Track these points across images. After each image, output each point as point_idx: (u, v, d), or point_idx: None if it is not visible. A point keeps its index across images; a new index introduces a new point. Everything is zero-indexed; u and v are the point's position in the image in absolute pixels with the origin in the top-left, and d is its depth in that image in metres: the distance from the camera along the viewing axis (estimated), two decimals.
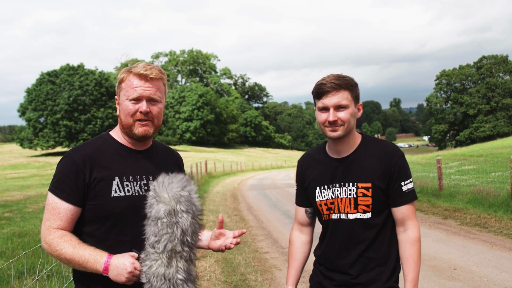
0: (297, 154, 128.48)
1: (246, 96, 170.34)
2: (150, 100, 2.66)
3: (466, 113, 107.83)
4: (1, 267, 7.49)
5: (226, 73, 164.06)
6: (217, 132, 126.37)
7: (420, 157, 44.65)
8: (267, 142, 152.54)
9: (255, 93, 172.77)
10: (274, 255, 10.01)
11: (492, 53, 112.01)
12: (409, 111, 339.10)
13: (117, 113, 2.73)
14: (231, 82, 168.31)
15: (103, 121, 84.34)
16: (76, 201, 2.54)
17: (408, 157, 37.92)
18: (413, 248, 2.88)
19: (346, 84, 2.83)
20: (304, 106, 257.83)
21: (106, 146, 2.71)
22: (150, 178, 2.72)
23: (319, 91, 2.86)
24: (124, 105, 2.65)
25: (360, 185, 2.87)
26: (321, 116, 2.88)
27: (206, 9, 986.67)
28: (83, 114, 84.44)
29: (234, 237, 2.82)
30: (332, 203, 2.94)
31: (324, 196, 2.98)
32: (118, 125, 2.78)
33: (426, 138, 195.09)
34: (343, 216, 2.92)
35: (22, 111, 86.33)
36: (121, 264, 2.42)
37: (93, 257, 2.44)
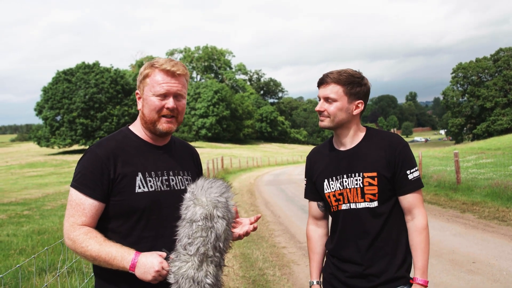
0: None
1: (261, 92, 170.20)
2: (176, 96, 2.67)
3: (483, 106, 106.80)
4: (22, 264, 7.59)
5: (241, 69, 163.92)
6: (232, 128, 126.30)
7: (437, 151, 44.36)
8: (282, 137, 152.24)
9: (270, 88, 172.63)
10: (292, 250, 10.03)
11: (509, 46, 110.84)
12: (425, 105, 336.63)
13: (139, 107, 2.71)
14: (246, 78, 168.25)
15: (119, 119, 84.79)
16: (101, 197, 2.52)
17: (425, 151, 37.69)
18: (421, 236, 2.93)
19: (341, 79, 2.93)
20: None
21: (127, 141, 2.70)
22: (171, 173, 2.72)
23: (319, 81, 3.02)
24: (150, 101, 2.64)
25: (366, 174, 2.94)
26: (317, 105, 3.06)
27: (221, 6, 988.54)
28: (99, 112, 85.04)
29: (251, 223, 2.81)
30: (341, 194, 3.00)
31: (332, 187, 3.04)
32: (138, 120, 2.78)
33: (442, 132, 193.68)
34: (352, 205, 2.97)
35: (39, 110, 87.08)
36: (149, 263, 2.40)
37: (120, 254, 2.43)
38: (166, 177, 2.70)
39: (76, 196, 2.54)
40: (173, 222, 2.55)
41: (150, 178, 2.63)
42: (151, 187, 2.62)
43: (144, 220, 2.58)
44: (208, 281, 2.42)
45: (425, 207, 3.03)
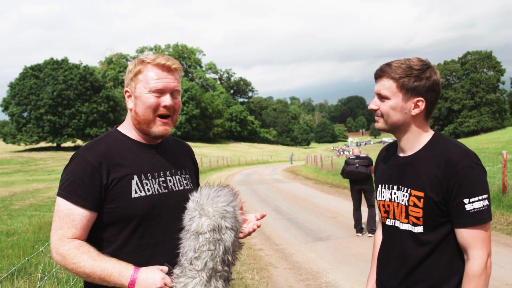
0: (282, 149, 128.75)
1: (232, 91, 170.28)
2: (173, 93, 2.47)
3: (451, 108, 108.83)
4: None
5: (212, 67, 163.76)
6: (202, 127, 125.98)
7: None
8: (252, 137, 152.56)
9: (240, 88, 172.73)
10: (269, 252, 9.91)
11: (477, 49, 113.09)
12: None
13: (130, 107, 2.49)
14: (216, 77, 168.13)
15: (87, 116, 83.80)
16: (92, 206, 2.30)
17: None
18: (469, 285, 2.33)
19: (389, 71, 2.45)
20: (289, 101, 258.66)
21: (118, 143, 2.48)
22: (167, 174, 2.52)
23: (374, 76, 2.58)
24: (145, 98, 2.41)
25: (413, 192, 2.43)
26: None
27: (194, 3, 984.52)
28: (67, 109, 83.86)
29: (257, 220, 2.57)
30: (389, 205, 2.60)
31: (383, 196, 2.64)
32: (127, 120, 2.55)
33: None
34: (397, 223, 2.54)
35: (5, 106, 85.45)
36: (150, 279, 2.20)
37: (117, 270, 2.21)
38: (163, 178, 2.49)
39: (64, 206, 2.30)
40: (173, 228, 2.36)
41: (147, 181, 2.42)
42: (148, 190, 2.40)
43: (142, 227, 2.37)
44: None
45: (489, 248, 2.36)
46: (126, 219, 2.34)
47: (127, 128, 2.55)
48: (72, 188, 2.30)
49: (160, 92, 2.42)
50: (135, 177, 2.39)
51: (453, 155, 2.38)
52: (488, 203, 2.33)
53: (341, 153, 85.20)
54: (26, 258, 3.97)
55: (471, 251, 2.32)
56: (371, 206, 11.25)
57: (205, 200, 2.29)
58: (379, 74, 2.50)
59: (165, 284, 2.20)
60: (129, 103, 2.49)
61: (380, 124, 2.55)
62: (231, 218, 2.29)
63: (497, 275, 7.38)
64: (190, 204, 2.32)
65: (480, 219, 2.30)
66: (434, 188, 2.36)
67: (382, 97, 2.49)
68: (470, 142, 49.05)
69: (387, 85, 2.46)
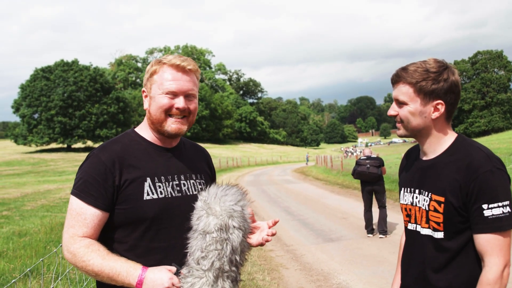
0: (292, 150, 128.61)
1: (241, 92, 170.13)
2: (188, 96, 2.46)
3: (461, 108, 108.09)
4: (4, 268, 7.35)
5: (221, 68, 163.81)
6: (212, 127, 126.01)
7: None
8: (262, 137, 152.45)
9: (249, 88, 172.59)
10: (279, 253, 9.91)
11: (488, 49, 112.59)
12: None
13: (145, 107, 2.50)
14: (226, 77, 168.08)
15: (97, 117, 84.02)
16: (104, 206, 2.30)
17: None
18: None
19: (405, 76, 2.41)
20: (298, 102, 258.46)
21: (134, 144, 2.48)
22: (182, 177, 2.51)
23: (391, 79, 2.54)
24: (158, 99, 2.42)
25: (434, 197, 2.39)
26: None
27: (203, 5, 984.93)
28: (77, 110, 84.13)
29: (269, 228, 2.52)
30: (411, 209, 2.56)
31: (405, 200, 2.62)
32: (145, 121, 2.56)
33: None
34: (418, 228, 2.51)
35: (16, 108, 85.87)
36: (158, 279, 2.19)
37: (125, 269, 2.21)
38: (177, 182, 2.48)
39: (77, 204, 2.31)
40: (185, 232, 2.34)
41: (160, 184, 2.41)
42: (161, 193, 2.39)
43: (153, 230, 2.36)
44: None
45: (508, 258, 2.27)
46: (138, 220, 2.34)
47: (144, 129, 2.56)
48: (84, 187, 2.31)
49: (174, 94, 2.42)
50: (148, 179, 2.38)
51: (474, 159, 2.31)
52: (509, 210, 2.24)
53: (349, 154, 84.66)
54: (41, 259, 3.98)
55: (487, 258, 2.26)
56: (382, 207, 11.22)
57: (212, 199, 2.28)
58: (396, 80, 2.47)
59: (173, 284, 2.19)
60: (145, 103, 2.51)
61: (401, 131, 2.52)
62: (239, 217, 2.27)
63: None
64: (198, 204, 2.32)
65: (499, 226, 2.23)
66: (454, 193, 2.31)
67: (400, 103, 2.46)
68: (481, 142, 48.67)
69: (404, 91, 2.42)
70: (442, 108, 2.40)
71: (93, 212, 2.29)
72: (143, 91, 2.53)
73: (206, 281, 2.18)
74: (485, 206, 2.24)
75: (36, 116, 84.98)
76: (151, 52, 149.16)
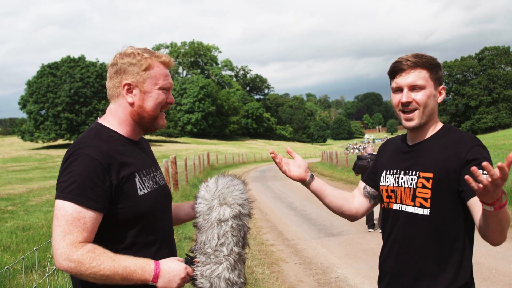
0: (299, 146, 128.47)
1: (248, 88, 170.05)
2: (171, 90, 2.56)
3: (468, 104, 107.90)
4: (7, 261, 7.45)
5: (228, 64, 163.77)
6: (218, 124, 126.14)
7: None
8: (268, 134, 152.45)
9: (256, 84, 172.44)
10: (280, 247, 9.98)
11: (496, 45, 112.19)
12: None
13: (133, 101, 2.43)
14: (232, 74, 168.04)
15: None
16: (103, 208, 2.21)
17: None
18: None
19: (424, 62, 2.52)
20: (305, 98, 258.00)
21: (113, 140, 2.39)
22: (153, 169, 2.54)
23: (394, 70, 2.58)
24: (155, 94, 2.43)
25: (421, 174, 2.49)
26: (395, 98, 2.60)
27: (212, 1, 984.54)
28: (84, 107, 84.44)
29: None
30: (393, 191, 2.63)
31: (387, 181, 2.69)
32: (117, 115, 2.47)
33: None
34: (403, 207, 2.57)
35: (23, 104, 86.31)
36: (173, 270, 2.25)
37: (139, 267, 2.18)
38: (152, 174, 2.52)
39: (73, 209, 2.14)
40: (168, 221, 2.47)
41: (144, 178, 2.42)
42: (148, 187, 2.41)
43: (148, 225, 2.38)
44: (241, 280, 2.39)
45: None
46: (136, 217, 2.32)
47: (115, 124, 2.47)
48: (81, 190, 2.17)
49: (167, 90, 2.49)
50: (137, 175, 2.37)
51: (463, 139, 2.46)
52: None
53: (353, 150, 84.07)
54: (35, 248, 4.07)
55: None
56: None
57: (225, 189, 2.43)
58: (408, 66, 2.52)
59: (187, 274, 2.29)
60: (131, 98, 2.43)
61: (416, 120, 2.54)
62: (247, 205, 2.46)
63: (505, 270, 7.40)
64: (205, 195, 2.45)
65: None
66: (443, 170, 2.41)
67: (417, 88, 2.52)
68: (487, 139, 48.60)
69: (422, 75, 2.51)
70: (444, 92, 2.61)
71: (92, 215, 2.18)
72: (131, 84, 2.42)
73: (226, 266, 2.33)
74: (481, 171, 2.19)
75: (43, 112, 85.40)
76: (157, 48, 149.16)
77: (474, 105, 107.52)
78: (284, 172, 2.85)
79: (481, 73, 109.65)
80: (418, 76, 2.51)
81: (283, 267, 8.41)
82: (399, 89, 2.56)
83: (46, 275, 4.54)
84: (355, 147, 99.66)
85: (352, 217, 2.97)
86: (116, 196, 2.26)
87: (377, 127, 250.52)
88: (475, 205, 2.30)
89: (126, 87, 2.43)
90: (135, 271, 2.17)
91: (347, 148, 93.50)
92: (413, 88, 2.52)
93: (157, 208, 2.44)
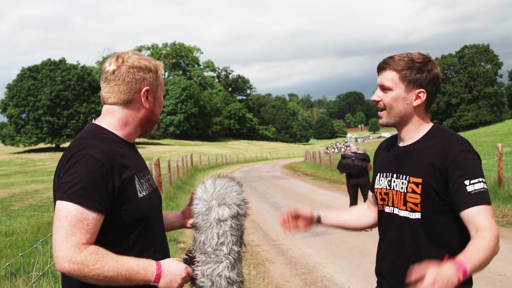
0: (282, 146, 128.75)
1: (230, 89, 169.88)
2: None
3: (449, 102, 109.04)
4: None
5: (209, 65, 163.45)
6: (201, 125, 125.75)
7: None
8: (251, 134, 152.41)
9: (238, 85, 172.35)
10: (266, 247, 9.99)
11: (476, 43, 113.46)
12: None
13: (147, 106, 2.46)
14: (214, 75, 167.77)
15: (86, 116, 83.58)
16: (105, 210, 2.19)
17: None
18: (481, 239, 2.23)
19: (393, 63, 2.53)
20: (287, 98, 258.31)
21: (112, 141, 2.37)
22: (146, 171, 2.55)
23: (377, 67, 2.64)
24: (162, 100, 2.55)
25: (412, 179, 2.50)
26: None
27: (193, 1, 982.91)
28: (65, 110, 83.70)
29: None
30: (386, 194, 2.64)
31: (381, 184, 2.70)
32: (119, 118, 2.44)
33: None
34: (395, 211, 2.58)
35: (4, 108, 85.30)
36: (174, 270, 2.27)
37: (142, 267, 2.19)
38: (147, 177, 2.53)
39: (76, 210, 2.11)
40: (160, 224, 2.50)
41: (142, 180, 2.42)
42: (146, 189, 2.42)
43: (148, 226, 2.38)
44: (240, 279, 2.43)
45: (496, 226, 2.32)
46: (136, 219, 2.31)
47: (115, 126, 2.45)
48: (84, 192, 2.15)
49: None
50: (136, 177, 2.37)
51: (450, 142, 2.46)
52: (486, 187, 2.36)
53: (333, 150, 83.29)
54: (20, 254, 4.03)
55: (481, 222, 2.28)
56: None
57: (223, 190, 2.49)
58: (383, 66, 2.58)
59: (188, 274, 2.31)
60: (147, 103, 2.45)
61: (384, 119, 2.62)
62: (243, 205, 2.52)
63: (490, 266, 7.44)
64: (204, 196, 2.49)
65: (484, 198, 2.32)
66: (431, 175, 2.43)
67: (385, 89, 2.56)
68: (468, 136, 49.08)
69: (390, 77, 2.53)
70: (423, 97, 2.55)
71: (95, 216, 2.15)
72: (148, 89, 2.45)
73: (226, 265, 2.37)
74: (467, 182, 2.33)
75: (23, 116, 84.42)
76: (139, 50, 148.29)
77: (455, 103, 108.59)
78: (294, 231, 2.94)
79: (461, 71, 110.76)
80: (385, 77, 2.55)
81: (269, 267, 8.42)
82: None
83: (32, 281, 4.51)
84: (337, 146, 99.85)
85: (374, 226, 3.01)
86: (118, 198, 2.25)
87: (359, 126, 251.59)
88: (465, 220, 2.35)
89: (146, 93, 2.45)
90: (138, 272, 2.17)
91: (327, 148, 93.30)
92: (382, 88, 2.57)
93: (153, 211, 2.46)
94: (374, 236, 10.27)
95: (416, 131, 2.60)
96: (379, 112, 2.63)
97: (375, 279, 2.81)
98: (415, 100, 2.54)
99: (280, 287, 7.30)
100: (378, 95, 2.59)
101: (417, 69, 2.50)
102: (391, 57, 2.57)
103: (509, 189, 13.25)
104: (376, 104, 2.64)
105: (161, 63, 2.55)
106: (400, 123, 2.60)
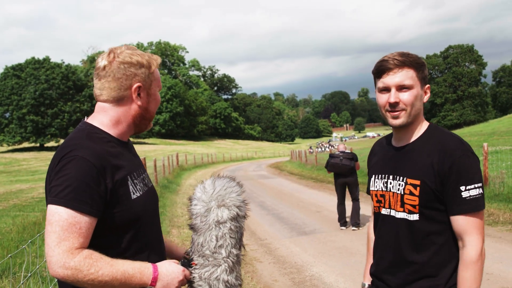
0: (267, 145, 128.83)
1: (215, 88, 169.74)
2: None
3: (434, 102, 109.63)
4: None
5: (195, 64, 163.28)
6: (186, 124, 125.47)
7: None
8: (237, 133, 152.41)
9: (224, 84, 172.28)
10: (254, 247, 9.97)
11: (460, 43, 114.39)
12: None
13: (140, 103, 2.38)
14: (200, 74, 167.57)
15: (70, 115, 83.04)
16: (97, 212, 2.11)
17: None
18: (467, 271, 2.34)
19: (412, 61, 2.45)
20: (273, 97, 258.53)
21: (104, 141, 2.29)
22: (141, 171, 2.47)
23: (380, 69, 2.50)
24: (157, 96, 2.46)
25: (409, 180, 2.45)
26: (382, 98, 2.51)
27: (179, 1, 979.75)
28: (50, 109, 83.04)
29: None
30: (383, 195, 2.60)
31: (376, 186, 2.65)
32: (112, 116, 2.36)
33: None
34: (392, 213, 2.54)
35: None
36: (171, 273, 2.20)
37: (137, 270, 2.13)
38: (142, 176, 2.45)
39: (68, 214, 2.04)
40: (156, 224, 2.43)
41: (136, 180, 2.34)
42: (139, 190, 2.34)
43: (142, 228, 2.31)
44: (239, 282, 2.37)
45: (483, 235, 2.40)
46: (130, 221, 2.25)
47: (107, 124, 2.36)
48: (76, 195, 2.07)
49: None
50: (129, 178, 2.30)
51: (450, 144, 2.41)
52: (482, 191, 2.36)
53: (317, 149, 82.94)
54: (9, 255, 3.97)
55: (468, 237, 2.34)
56: (355, 200, 11.33)
57: (223, 191, 2.40)
58: (397, 65, 2.46)
59: (185, 276, 2.25)
60: (139, 100, 2.38)
61: (402, 119, 2.48)
62: (243, 206, 2.43)
63: (502, 272, 7.49)
64: (203, 196, 2.40)
65: (476, 206, 2.33)
66: (430, 177, 2.39)
67: (404, 88, 2.46)
68: None
69: (410, 75, 2.45)
70: (429, 92, 2.57)
71: (87, 220, 2.08)
72: (140, 86, 2.36)
73: (225, 268, 2.29)
74: (462, 188, 2.33)
75: (7, 115, 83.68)
76: None
77: (439, 103, 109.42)
78: None
79: (446, 71, 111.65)
80: (405, 75, 2.44)
81: (257, 266, 8.40)
82: (386, 89, 2.49)
83: (21, 282, 4.45)
84: (322, 145, 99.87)
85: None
86: (111, 200, 2.18)
87: (344, 125, 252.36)
88: (454, 226, 2.40)
89: (138, 89, 2.36)
90: (133, 275, 2.11)
91: (311, 147, 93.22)
92: (400, 88, 2.45)
93: (148, 211, 2.38)
94: (361, 235, 10.34)
95: (416, 130, 2.55)
96: (395, 113, 2.49)
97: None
98: (425, 96, 2.55)
99: (268, 286, 7.29)
100: (396, 96, 2.46)
101: (424, 66, 2.50)
102: (395, 56, 2.47)
103: (495, 188, 13.35)
104: (390, 107, 2.49)
105: (157, 58, 2.46)
106: (411, 122, 2.52)
